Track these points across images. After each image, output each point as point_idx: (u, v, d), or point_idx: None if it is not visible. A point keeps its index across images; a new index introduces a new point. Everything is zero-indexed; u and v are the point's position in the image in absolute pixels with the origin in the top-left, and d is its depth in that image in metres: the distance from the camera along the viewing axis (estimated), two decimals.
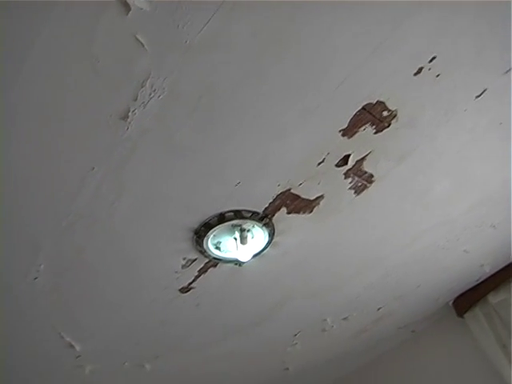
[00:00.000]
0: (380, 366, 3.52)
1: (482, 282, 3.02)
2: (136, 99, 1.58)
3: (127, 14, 1.37)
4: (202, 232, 2.07)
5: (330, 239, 2.31)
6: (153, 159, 1.78)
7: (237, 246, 2.12)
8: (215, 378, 3.40)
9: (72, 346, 2.81)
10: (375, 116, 1.81)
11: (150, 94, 1.57)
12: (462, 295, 3.12)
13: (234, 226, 2.08)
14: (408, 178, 2.11)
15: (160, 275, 2.33)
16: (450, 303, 3.18)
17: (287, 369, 3.41)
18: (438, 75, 1.70)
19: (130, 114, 1.62)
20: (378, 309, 2.97)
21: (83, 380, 3.17)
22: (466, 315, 3.10)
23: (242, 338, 2.97)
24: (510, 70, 1.76)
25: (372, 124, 1.83)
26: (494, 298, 2.99)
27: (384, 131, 1.87)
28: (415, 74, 1.68)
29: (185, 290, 2.43)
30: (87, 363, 2.99)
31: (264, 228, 2.10)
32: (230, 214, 2.02)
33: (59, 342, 2.76)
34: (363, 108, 1.76)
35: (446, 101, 1.82)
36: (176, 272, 2.31)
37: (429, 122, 1.88)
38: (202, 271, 2.33)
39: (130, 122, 1.64)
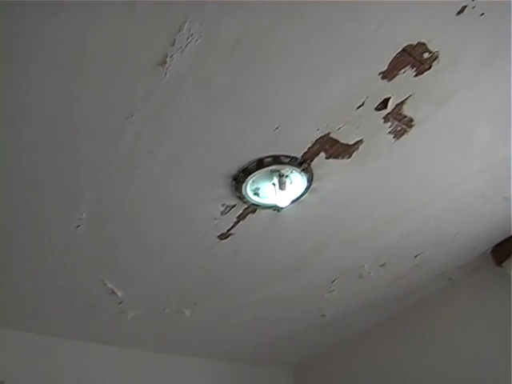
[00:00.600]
0: (416, 314, 3.53)
1: None
2: (173, 44, 1.56)
3: None
4: (240, 178, 2.08)
5: (369, 184, 2.29)
6: (191, 105, 1.77)
7: (275, 192, 2.12)
8: (253, 324, 3.47)
9: (114, 293, 2.88)
10: (416, 58, 1.76)
11: (188, 39, 1.56)
12: (500, 244, 3.09)
13: (272, 172, 2.08)
14: (448, 122, 2.06)
15: (199, 222, 2.36)
16: (488, 252, 3.15)
17: (324, 315, 3.46)
18: (482, 14, 1.64)
19: (167, 59, 1.61)
20: (416, 256, 2.96)
21: (126, 326, 3.27)
22: (504, 264, 3.07)
23: (280, 284, 3.01)
24: None
25: (412, 66, 1.78)
26: None
27: (425, 74, 1.82)
28: (458, 13, 1.62)
29: (224, 236, 2.47)
30: (129, 309, 3.08)
31: (302, 173, 2.09)
32: (268, 159, 2.02)
33: (102, 288, 2.84)
34: (403, 50, 1.72)
35: (490, 42, 1.75)
36: (215, 218, 2.34)
37: (471, 64, 1.82)
38: (241, 217, 2.35)
39: (167, 68, 1.63)
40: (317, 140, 1.99)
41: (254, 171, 2.05)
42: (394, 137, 2.06)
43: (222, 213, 2.30)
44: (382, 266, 2.98)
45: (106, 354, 3.54)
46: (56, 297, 2.93)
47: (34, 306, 3.02)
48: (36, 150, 1.90)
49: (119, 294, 2.89)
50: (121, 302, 3.00)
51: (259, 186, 2.15)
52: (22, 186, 2.07)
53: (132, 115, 1.79)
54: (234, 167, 2.06)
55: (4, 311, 3.03)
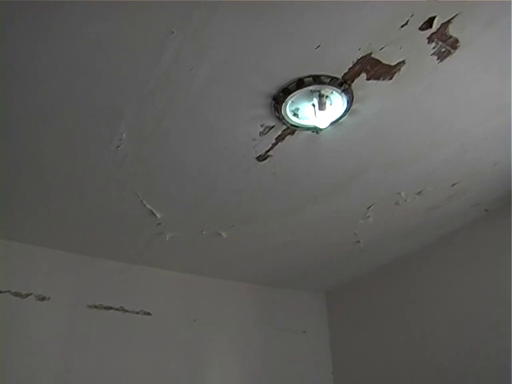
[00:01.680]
0: (450, 243, 3.52)
1: None
2: None
3: None
4: (280, 98, 2.07)
5: (409, 108, 2.25)
6: (232, 22, 1.76)
7: (315, 113, 2.11)
8: (288, 248, 3.54)
9: (153, 214, 2.96)
10: None
11: None
12: None
13: (312, 92, 2.06)
14: (495, 45, 1.97)
15: (238, 143, 2.38)
16: None
17: (358, 242, 3.49)
18: None
19: None
20: (453, 185, 2.93)
21: (164, 247, 3.37)
22: None
23: (316, 209, 3.03)
24: None
25: None
26: None
27: None
28: None
29: (262, 158, 2.48)
30: (167, 231, 3.16)
31: (343, 94, 2.07)
32: (308, 79, 2.00)
33: (141, 209, 2.92)
34: None
35: None
36: (254, 139, 2.35)
37: None
38: (280, 139, 2.36)
39: None
40: (358, 60, 1.96)
41: (294, 91, 2.04)
42: (438, 58, 2.01)
43: (261, 134, 2.31)
44: (418, 193, 2.97)
45: (144, 275, 3.67)
46: (96, 218, 3.03)
47: (75, 227, 3.14)
48: (77, 70, 1.92)
49: (158, 215, 2.97)
50: (159, 224, 3.08)
51: (299, 106, 2.14)
52: (61, 107, 2.11)
53: (172, 32, 1.78)
54: (273, 87, 2.05)
55: (46, 231, 3.15)
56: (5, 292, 3.15)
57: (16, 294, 3.18)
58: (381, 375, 3.86)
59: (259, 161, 2.50)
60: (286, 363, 4.07)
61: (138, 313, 3.53)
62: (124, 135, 2.31)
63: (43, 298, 3.26)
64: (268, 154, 2.45)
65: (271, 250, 3.53)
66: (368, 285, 4.14)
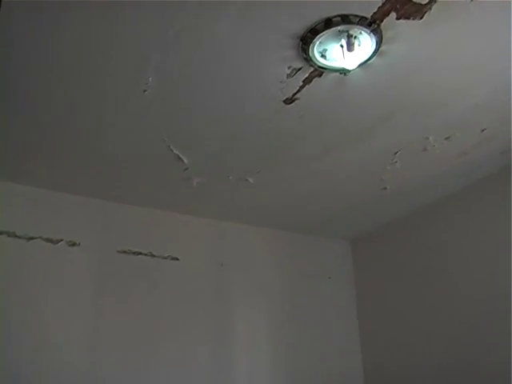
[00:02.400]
0: (478, 191, 3.50)
1: None
2: None
3: None
4: (307, 38, 2.03)
5: (440, 50, 2.20)
6: None
7: (343, 54, 2.08)
8: (315, 194, 3.55)
9: (180, 159, 2.98)
10: None
11: None
12: None
13: (340, 32, 2.02)
14: None
15: (265, 85, 2.36)
16: None
17: (385, 188, 3.47)
18: None
19: None
20: (482, 130, 2.87)
21: (191, 193, 3.40)
22: None
23: (343, 154, 3.02)
24: None
25: None
26: None
27: None
28: None
29: (289, 101, 2.46)
30: (194, 176, 3.18)
31: (371, 35, 2.03)
32: (337, 18, 1.96)
33: (168, 154, 2.94)
34: None
35: None
36: (281, 82, 2.33)
37: None
38: (307, 81, 2.33)
39: None
40: None
41: (322, 31, 2.00)
42: None
43: (288, 76, 2.29)
44: (447, 139, 2.93)
45: (172, 221, 3.72)
46: (123, 164, 3.07)
47: (103, 174, 3.19)
48: (102, 15, 1.91)
49: (185, 160, 2.99)
50: (186, 169, 3.10)
51: (326, 47, 2.11)
52: (89, 51, 2.11)
53: None
54: (301, 27, 2.01)
55: (75, 178, 3.21)
56: (36, 238, 3.23)
57: (47, 240, 3.27)
58: (405, 320, 3.91)
59: (286, 104, 2.48)
60: (311, 308, 4.14)
61: (165, 258, 3.60)
62: (150, 79, 2.31)
63: (74, 244, 3.34)
64: (295, 96, 2.43)
65: (297, 196, 3.54)
66: (393, 232, 4.15)
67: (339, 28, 2.00)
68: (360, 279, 4.43)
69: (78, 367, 3.13)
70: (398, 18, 2.00)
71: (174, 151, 2.91)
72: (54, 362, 3.06)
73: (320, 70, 2.24)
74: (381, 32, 2.04)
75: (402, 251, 4.05)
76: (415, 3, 1.94)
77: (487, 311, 3.32)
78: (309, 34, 2.02)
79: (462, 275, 3.52)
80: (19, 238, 3.18)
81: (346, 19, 1.97)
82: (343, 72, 2.24)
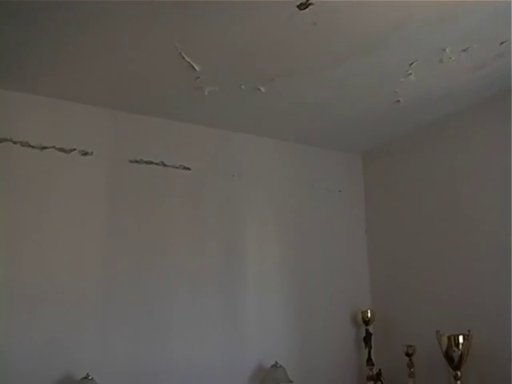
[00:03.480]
0: (493, 106, 3.43)
1: None
2: None
3: None
4: None
5: None
6: None
7: None
8: (327, 105, 3.52)
9: (192, 67, 2.94)
10: None
11: None
12: None
13: None
14: None
15: None
16: None
17: (398, 101, 3.42)
18: None
19: None
20: (501, 43, 2.79)
21: (203, 102, 3.37)
22: None
23: (357, 64, 2.96)
24: None
25: None
26: None
27: None
28: None
29: (303, 6, 2.38)
30: (206, 85, 3.15)
31: None
32: None
33: (180, 62, 2.90)
34: None
35: None
36: None
37: None
38: None
39: None
40: None
41: None
42: None
43: None
44: (464, 50, 2.85)
45: (183, 131, 3.72)
46: (134, 73, 3.04)
47: (114, 84, 3.17)
48: None
49: (197, 67, 2.94)
50: (198, 77, 3.07)
51: None
52: None
53: None
54: None
55: (87, 88, 3.19)
56: (50, 147, 3.26)
57: (60, 150, 3.30)
58: (413, 235, 3.97)
59: (300, 9, 2.40)
60: (320, 221, 4.20)
61: (177, 168, 3.63)
62: None
63: (86, 153, 3.37)
64: (309, 1, 2.35)
65: (310, 106, 3.51)
66: (404, 147, 4.14)
67: None
68: (370, 193, 4.46)
69: (91, 274, 3.25)
70: None
71: (186, 59, 2.86)
72: (66, 270, 3.17)
73: None
74: None
75: (412, 166, 4.05)
76: None
77: (491, 228, 3.39)
78: None
79: (470, 191, 3.55)
80: (33, 147, 3.21)
81: None
82: None
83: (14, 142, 3.14)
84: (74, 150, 3.34)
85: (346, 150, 4.41)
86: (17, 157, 3.15)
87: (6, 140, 3.12)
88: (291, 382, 3.57)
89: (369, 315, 4.07)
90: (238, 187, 3.87)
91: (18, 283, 3.02)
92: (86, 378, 2.98)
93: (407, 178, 4.09)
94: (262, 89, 3.19)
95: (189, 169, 3.68)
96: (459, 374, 3.30)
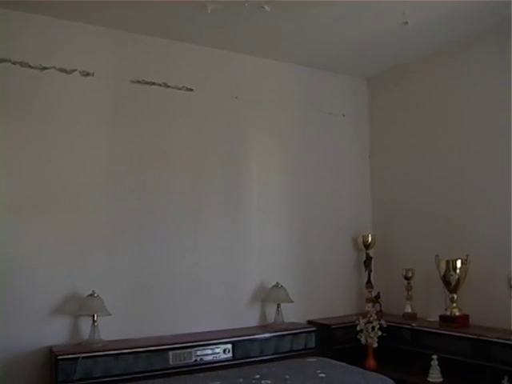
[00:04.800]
0: (501, 34, 3.32)
1: None
2: None
3: None
4: None
5: None
6: None
7: None
8: (334, 27, 3.40)
9: None
10: None
11: None
12: None
13: None
14: None
15: None
16: None
17: (406, 23, 3.31)
18: None
19: None
20: None
21: (206, 21, 3.28)
22: None
23: None
24: None
25: None
26: None
27: None
28: None
29: None
30: (209, 2, 3.03)
31: None
32: None
33: None
34: None
35: None
36: None
37: None
38: None
39: None
40: None
41: None
42: None
43: None
44: None
45: (186, 52, 3.65)
46: None
47: (113, 2, 3.05)
48: None
49: None
50: None
51: None
52: None
53: None
54: None
55: (89, 7, 3.09)
56: (50, 68, 3.20)
57: (61, 70, 3.24)
58: (415, 160, 3.99)
59: None
60: (323, 144, 4.20)
61: (180, 89, 3.58)
62: None
63: (87, 74, 3.31)
64: None
65: (316, 27, 3.40)
66: (410, 73, 4.07)
67: None
68: (374, 118, 4.43)
69: (94, 193, 3.28)
70: None
71: None
72: (68, 187, 3.20)
73: None
74: None
75: (417, 92, 4.00)
76: None
77: (492, 154, 3.41)
78: None
79: (472, 118, 3.55)
80: (32, 68, 3.15)
81: None
82: None
83: (13, 63, 3.08)
84: (75, 70, 3.27)
85: (352, 73, 4.33)
86: (16, 78, 3.10)
87: (4, 60, 3.06)
88: (292, 301, 3.69)
89: (369, 239, 4.14)
90: (240, 109, 3.83)
91: (18, 199, 3.05)
92: (91, 295, 3.08)
93: (412, 103, 4.05)
94: (267, 7, 3.07)
95: (191, 90, 3.62)
96: (455, 297, 3.39)
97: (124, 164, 3.37)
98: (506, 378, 2.88)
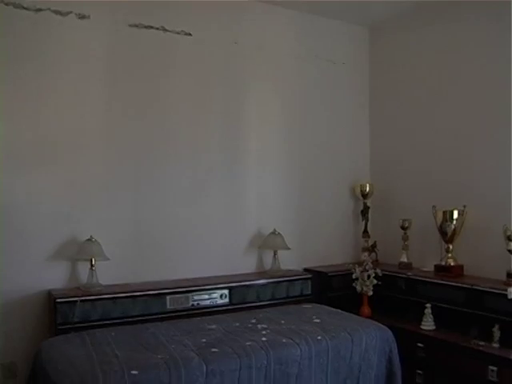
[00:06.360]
0: None
1: None
2: None
3: None
4: None
5: None
6: None
7: None
8: None
9: None
10: None
11: None
12: None
13: None
14: None
15: None
16: None
17: None
18: None
19: None
20: None
21: None
22: None
23: None
24: None
25: None
26: None
27: None
28: None
29: None
30: None
31: None
32: None
33: None
34: None
35: None
36: None
37: None
38: None
39: None
40: None
41: None
42: None
43: None
44: None
45: None
46: None
47: None
48: None
49: None
50: None
51: None
52: None
53: None
54: None
55: None
56: (45, 10, 3.12)
57: (56, 12, 3.15)
58: (414, 111, 3.95)
59: None
60: (323, 92, 4.15)
61: (178, 33, 3.50)
62: None
63: (83, 17, 3.23)
64: None
65: None
66: (412, 22, 3.99)
67: None
68: (375, 67, 4.36)
69: (92, 137, 3.26)
70: None
71: None
72: (66, 131, 3.17)
73: None
74: None
75: (418, 41, 3.93)
76: None
77: (491, 105, 3.38)
78: None
79: (472, 67, 3.50)
80: (27, 9, 3.06)
81: None
82: None
83: (6, 4, 2.99)
84: (71, 12, 3.18)
85: (354, 22, 4.24)
86: (10, 19, 3.01)
87: None
88: (288, 248, 3.73)
89: (367, 189, 4.14)
90: (240, 55, 3.76)
91: (16, 145, 3.03)
92: (89, 239, 3.11)
93: (413, 53, 3.99)
94: None
95: (190, 34, 3.54)
96: (451, 247, 3.42)
97: (122, 110, 3.34)
98: (497, 326, 2.93)
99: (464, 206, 3.36)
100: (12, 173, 3.01)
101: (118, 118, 3.32)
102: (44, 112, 3.11)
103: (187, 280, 3.43)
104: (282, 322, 2.97)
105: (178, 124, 3.51)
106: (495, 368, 2.79)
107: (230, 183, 3.72)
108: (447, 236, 3.42)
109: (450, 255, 3.41)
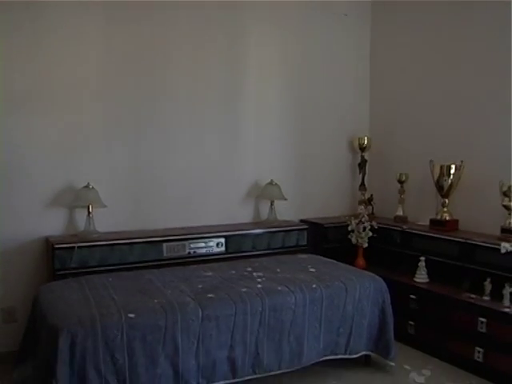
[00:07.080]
0: None
1: None
2: None
3: None
4: None
5: None
6: None
7: None
8: None
9: None
10: None
11: None
12: None
13: None
14: None
15: None
16: None
17: None
18: None
19: None
20: None
21: None
22: None
23: None
24: None
25: None
26: None
27: None
28: None
29: None
30: None
31: None
32: None
33: None
34: None
35: None
36: None
37: None
38: None
39: None
40: None
41: None
42: None
43: None
44: None
45: None
46: None
47: None
48: None
49: None
50: None
51: None
52: None
53: None
54: None
55: None
56: None
57: None
58: (415, 66, 3.90)
59: None
60: (323, 44, 4.09)
61: None
62: None
63: None
64: None
65: None
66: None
67: None
68: (377, 20, 4.28)
69: (90, 83, 3.24)
70: None
71: None
72: (63, 76, 3.15)
73: None
74: None
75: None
76: None
77: (491, 63, 3.34)
78: None
79: (475, 26, 3.44)
80: None
81: None
82: None
83: None
84: None
85: None
86: None
87: None
88: (285, 199, 3.75)
89: (365, 142, 4.13)
90: (241, 4, 3.68)
91: (13, 91, 3.02)
92: (86, 186, 3.13)
93: (416, 7, 3.88)
94: None
95: None
96: (447, 201, 3.43)
97: (120, 57, 3.31)
98: (489, 279, 2.97)
99: (461, 161, 3.36)
100: (9, 119, 3.01)
101: (117, 66, 3.30)
102: (40, 60, 3.08)
103: (184, 228, 3.46)
104: (278, 270, 3.02)
105: (176, 70, 3.49)
106: (484, 319, 2.84)
107: (228, 133, 3.71)
108: (443, 190, 3.43)
109: (445, 210, 3.43)
